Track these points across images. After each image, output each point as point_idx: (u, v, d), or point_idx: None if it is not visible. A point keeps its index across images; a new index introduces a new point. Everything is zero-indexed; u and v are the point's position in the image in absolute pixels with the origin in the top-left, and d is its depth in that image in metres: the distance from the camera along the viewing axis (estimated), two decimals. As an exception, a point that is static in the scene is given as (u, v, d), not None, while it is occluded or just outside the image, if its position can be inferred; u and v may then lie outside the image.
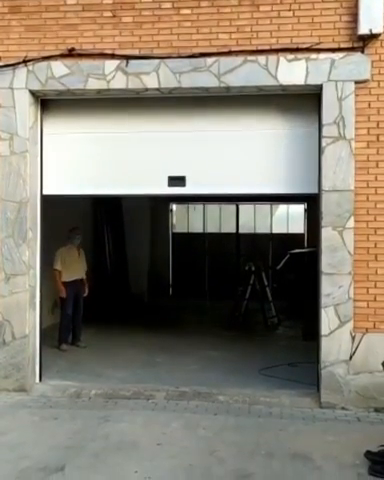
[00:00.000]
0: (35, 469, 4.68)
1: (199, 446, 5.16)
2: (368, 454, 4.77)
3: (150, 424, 5.69)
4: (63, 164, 6.87)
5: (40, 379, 6.94)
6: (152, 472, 4.62)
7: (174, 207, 16.97)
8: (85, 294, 9.45)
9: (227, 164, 6.64)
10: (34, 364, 6.84)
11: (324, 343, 6.19)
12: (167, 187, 6.73)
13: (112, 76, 6.35)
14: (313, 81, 6.12)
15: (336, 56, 6.09)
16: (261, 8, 6.21)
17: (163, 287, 16.12)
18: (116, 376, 7.33)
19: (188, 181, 6.68)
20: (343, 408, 6.12)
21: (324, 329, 6.18)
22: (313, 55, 6.12)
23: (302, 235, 16.07)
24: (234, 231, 16.71)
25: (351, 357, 6.16)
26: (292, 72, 6.14)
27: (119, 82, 6.36)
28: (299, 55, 6.14)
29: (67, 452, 5.01)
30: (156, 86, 6.33)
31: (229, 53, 6.21)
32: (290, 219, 16.58)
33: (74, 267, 9.21)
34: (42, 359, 7.02)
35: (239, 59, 6.20)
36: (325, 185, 6.15)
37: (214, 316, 12.35)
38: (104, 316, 11.36)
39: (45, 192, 6.88)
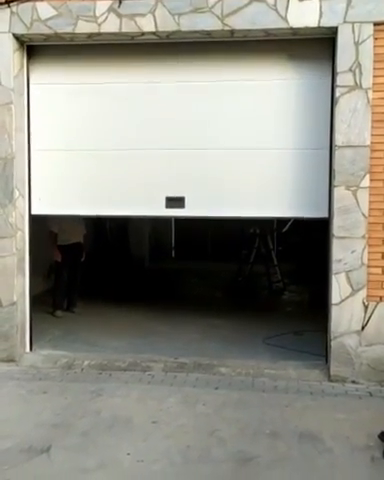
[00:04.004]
0: (17, 450, 4.26)
1: (198, 424, 4.73)
2: (382, 435, 4.35)
3: (145, 399, 5.27)
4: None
5: (31, 348, 6.53)
6: (145, 454, 4.20)
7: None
8: (82, 259, 9.01)
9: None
10: (24, 333, 6.41)
11: (334, 312, 5.73)
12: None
13: (104, 18, 5.74)
14: (327, 23, 5.49)
15: (353, -6, 5.46)
16: None
17: (165, 250, 15.67)
18: (111, 345, 6.92)
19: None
20: (354, 382, 5.70)
21: (334, 297, 5.71)
22: (327, -7, 5.49)
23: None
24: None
25: (363, 327, 5.69)
26: (304, 13, 5.50)
27: (112, 25, 5.75)
28: (312, -7, 5.50)
29: (54, 430, 4.60)
30: (152, 29, 5.72)
31: (234, -9, 5.57)
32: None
33: (71, 230, 8.74)
34: (34, 327, 6.60)
35: (245, -2, 5.57)
36: (338, 140, 5.59)
37: (217, 280, 11.86)
38: (102, 281, 10.90)
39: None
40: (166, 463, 4.08)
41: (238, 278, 11.30)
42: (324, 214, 5.96)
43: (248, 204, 6.13)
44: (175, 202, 6.21)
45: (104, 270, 11.50)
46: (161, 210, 6.26)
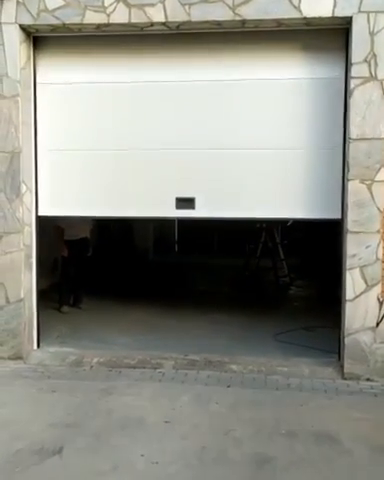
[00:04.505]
0: (29, 451, 4.16)
1: (212, 424, 4.63)
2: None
3: (157, 397, 5.17)
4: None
5: (38, 345, 6.43)
6: (160, 456, 4.09)
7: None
8: (89, 254, 8.90)
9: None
10: (31, 329, 6.32)
11: (348, 308, 5.62)
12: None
13: (113, 8, 5.60)
14: (341, 13, 5.36)
15: (369, -18, 5.32)
16: None
17: (168, 243, 15.55)
18: (119, 342, 6.82)
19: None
20: (368, 379, 5.60)
21: (349, 293, 5.60)
22: (342, -18, 5.34)
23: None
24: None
25: (378, 324, 5.59)
26: (317, 2, 5.37)
27: (121, 15, 5.61)
28: (326, -18, 5.36)
29: (66, 431, 4.49)
30: (162, 20, 5.58)
31: (246, -20, 5.43)
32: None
33: (78, 225, 8.62)
34: (40, 323, 6.51)
35: (257, -14, 5.42)
36: (352, 133, 5.47)
37: (223, 274, 11.75)
38: (107, 276, 10.79)
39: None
40: (182, 465, 3.97)
41: (245, 272, 11.18)
42: (337, 215, 5.84)
43: (260, 205, 6.03)
44: (185, 203, 6.08)
45: (109, 264, 11.38)
46: (171, 211, 6.14)
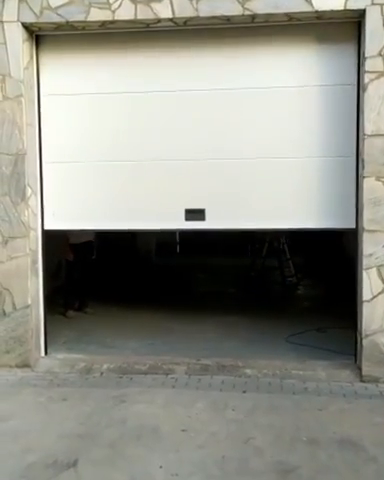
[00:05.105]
0: (43, 465, 4.00)
1: (230, 432, 4.48)
2: None
3: (172, 405, 5.01)
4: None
5: (45, 352, 6.26)
6: (179, 467, 3.94)
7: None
8: (93, 257, 8.75)
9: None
10: (38, 336, 6.15)
11: (366, 309, 5.46)
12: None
13: (118, 4, 5.44)
14: (354, 5, 5.21)
15: (382, -27, 5.17)
16: None
17: (171, 245, 15.40)
18: (129, 346, 6.67)
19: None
20: (387, 382, 5.46)
21: (366, 293, 5.45)
22: (354, -27, 5.20)
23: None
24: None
25: (397, 325, 5.45)
26: (330, -5, 5.23)
27: (126, 12, 5.45)
28: (337, -26, 5.21)
29: (79, 442, 4.33)
30: (169, 16, 5.43)
31: (255, -27, 5.28)
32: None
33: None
34: (47, 330, 6.33)
35: (267, -20, 5.27)
36: (367, 129, 5.32)
37: (228, 275, 11.61)
38: (111, 278, 10.63)
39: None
40: (203, 477, 3.82)
41: (250, 273, 11.03)
42: (351, 225, 5.70)
43: (272, 216, 5.88)
44: (195, 214, 5.94)
45: (112, 267, 11.22)
46: (180, 223, 5.99)
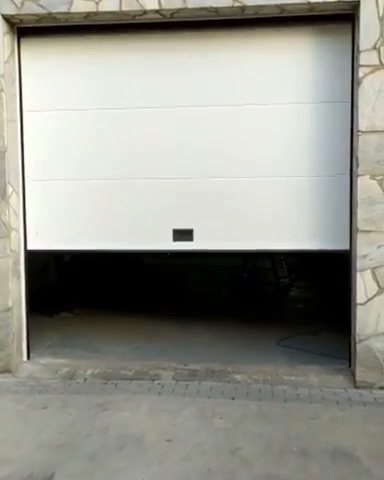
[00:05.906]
0: (17, 478, 3.78)
1: (217, 442, 4.26)
2: None
3: (157, 413, 4.79)
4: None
5: (28, 357, 6.04)
6: (162, 480, 3.73)
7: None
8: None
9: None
10: (20, 340, 5.93)
11: (360, 313, 5.26)
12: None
13: (102, -5, 5.24)
14: (348, -4, 5.03)
15: (376, -37, 4.98)
16: None
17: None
18: (115, 351, 6.44)
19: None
20: (382, 388, 5.24)
21: (360, 297, 5.24)
22: (348, -38, 5.01)
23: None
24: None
25: (392, 329, 5.25)
26: (322, -15, 5.03)
27: (111, 3, 5.23)
28: (331, -37, 5.02)
29: (58, 453, 4.12)
30: (156, 7, 5.21)
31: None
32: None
33: None
34: (30, 332, 6.10)
35: (257, -31, 5.07)
36: (361, 125, 5.12)
37: (220, 276, 11.38)
38: (99, 280, 10.38)
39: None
40: (186, 492, 3.61)
41: (243, 274, 10.80)
42: (345, 246, 5.52)
43: (263, 236, 5.71)
44: (183, 235, 5.76)
45: (101, 269, 10.98)
46: (168, 244, 5.82)
